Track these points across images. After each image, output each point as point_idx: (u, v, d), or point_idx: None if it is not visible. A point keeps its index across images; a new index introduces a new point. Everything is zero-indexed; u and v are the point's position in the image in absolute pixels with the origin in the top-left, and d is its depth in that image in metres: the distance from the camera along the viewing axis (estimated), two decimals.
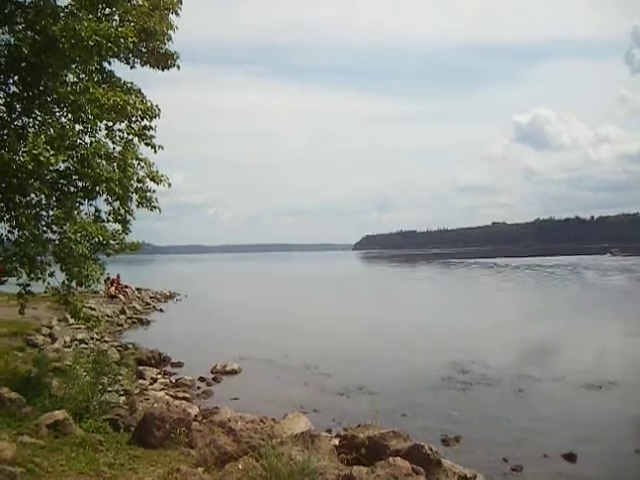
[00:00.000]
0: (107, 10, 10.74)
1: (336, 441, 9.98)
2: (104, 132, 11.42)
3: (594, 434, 12.17)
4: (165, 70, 12.32)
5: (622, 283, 54.80)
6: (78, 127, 10.74)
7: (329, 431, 11.95)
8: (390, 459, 7.72)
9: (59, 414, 8.61)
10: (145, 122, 11.77)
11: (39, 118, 10.47)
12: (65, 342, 20.67)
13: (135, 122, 11.72)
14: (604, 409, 14.13)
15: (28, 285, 11.06)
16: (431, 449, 8.48)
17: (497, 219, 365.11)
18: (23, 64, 9.93)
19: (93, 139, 11.03)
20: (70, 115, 10.60)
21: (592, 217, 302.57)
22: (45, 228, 10.66)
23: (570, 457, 10.90)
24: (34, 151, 8.68)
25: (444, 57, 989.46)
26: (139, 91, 11.73)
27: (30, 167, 8.73)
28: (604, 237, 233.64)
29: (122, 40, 9.96)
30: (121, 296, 37.30)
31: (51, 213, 10.58)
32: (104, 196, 11.21)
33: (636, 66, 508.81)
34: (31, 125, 10.48)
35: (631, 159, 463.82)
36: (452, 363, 18.98)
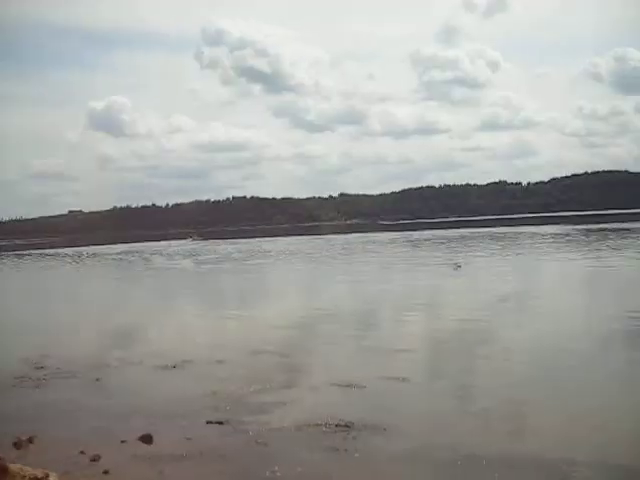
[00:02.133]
0: None
1: None
2: None
3: (170, 412, 12.55)
4: None
5: (195, 267, 59.56)
6: None
7: None
8: None
9: None
10: None
11: None
12: None
13: None
14: (178, 386, 14.68)
15: None
16: None
17: (74, 207, 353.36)
18: None
19: None
20: None
21: (167, 204, 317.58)
22: None
23: (146, 438, 11.06)
24: None
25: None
26: None
27: None
28: (181, 223, 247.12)
29: None
30: None
31: None
32: None
33: (205, 63, 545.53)
34: None
35: (202, 148, 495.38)
36: (24, 360, 17.79)
